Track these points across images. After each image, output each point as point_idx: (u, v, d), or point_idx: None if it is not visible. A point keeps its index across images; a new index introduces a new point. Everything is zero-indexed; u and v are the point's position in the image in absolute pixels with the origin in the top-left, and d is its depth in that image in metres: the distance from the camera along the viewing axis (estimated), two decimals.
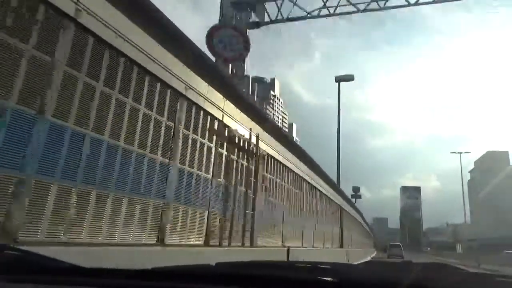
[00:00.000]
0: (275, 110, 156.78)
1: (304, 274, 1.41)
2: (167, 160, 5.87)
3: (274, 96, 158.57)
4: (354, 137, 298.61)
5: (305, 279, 1.29)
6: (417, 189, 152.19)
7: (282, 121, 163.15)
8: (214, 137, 7.38)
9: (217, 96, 7.27)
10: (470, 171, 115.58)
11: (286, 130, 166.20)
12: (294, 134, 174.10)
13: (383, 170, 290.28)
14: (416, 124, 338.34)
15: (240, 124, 8.37)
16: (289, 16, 16.12)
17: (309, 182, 14.65)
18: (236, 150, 8.34)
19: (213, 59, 12.55)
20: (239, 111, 8.24)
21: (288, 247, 10.05)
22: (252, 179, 9.19)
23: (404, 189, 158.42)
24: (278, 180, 11.32)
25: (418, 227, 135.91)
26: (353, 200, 32.18)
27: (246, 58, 14.89)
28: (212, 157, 7.29)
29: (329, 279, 1.30)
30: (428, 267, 1.94)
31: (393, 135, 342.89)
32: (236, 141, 8.32)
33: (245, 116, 8.59)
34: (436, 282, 1.38)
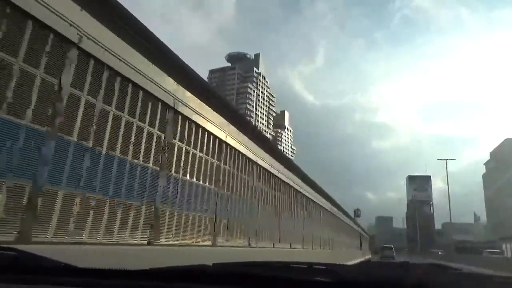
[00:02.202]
0: (259, 89, 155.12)
1: (301, 274, 1.64)
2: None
3: (259, 73, 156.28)
4: (358, 139, 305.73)
5: (301, 280, 1.52)
6: (427, 179, 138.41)
7: (269, 103, 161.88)
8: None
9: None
10: (485, 163, 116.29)
11: (274, 115, 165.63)
12: (287, 123, 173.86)
13: (388, 172, 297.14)
14: (422, 124, 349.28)
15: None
16: None
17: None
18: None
19: None
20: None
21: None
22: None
23: (411, 179, 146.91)
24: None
25: (431, 224, 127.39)
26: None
27: None
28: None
29: (325, 279, 1.54)
30: (425, 267, 2.17)
31: (398, 136, 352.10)
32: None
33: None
34: (432, 282, 1.62)
